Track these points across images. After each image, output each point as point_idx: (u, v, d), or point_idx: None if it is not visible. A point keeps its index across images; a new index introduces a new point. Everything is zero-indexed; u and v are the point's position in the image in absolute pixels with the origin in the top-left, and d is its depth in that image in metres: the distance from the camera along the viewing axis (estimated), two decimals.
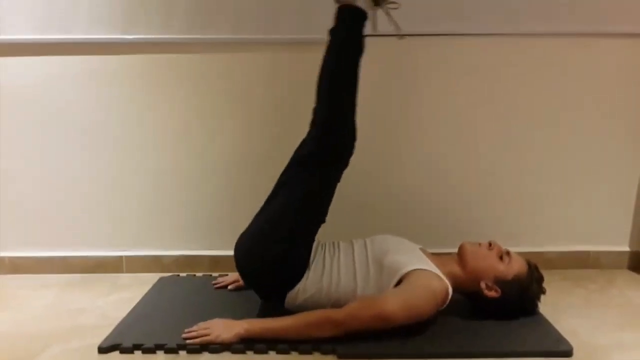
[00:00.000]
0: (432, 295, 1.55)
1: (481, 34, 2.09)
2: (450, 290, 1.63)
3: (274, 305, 1.71)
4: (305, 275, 1.67)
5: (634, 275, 2.18)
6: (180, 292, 1.96)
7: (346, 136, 1.68)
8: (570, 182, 2.20)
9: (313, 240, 1.75)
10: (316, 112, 1.71)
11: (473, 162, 2.19)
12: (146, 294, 1.94)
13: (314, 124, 1.71)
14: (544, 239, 2.24)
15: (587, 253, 2.23)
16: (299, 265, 1.67)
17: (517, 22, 2.07)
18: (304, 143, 1.74)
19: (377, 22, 2.00)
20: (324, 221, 1.75)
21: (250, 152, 2.18)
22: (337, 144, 1.68)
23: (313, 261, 1.70)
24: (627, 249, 2.24)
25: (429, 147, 2.19)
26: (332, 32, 1.72)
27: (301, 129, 2.06)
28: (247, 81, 2.13)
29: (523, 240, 2.22)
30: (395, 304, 1.51)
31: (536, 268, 1.72)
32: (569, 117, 2.16)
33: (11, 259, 2.22)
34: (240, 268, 1.73)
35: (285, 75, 2.13)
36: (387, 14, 1.84)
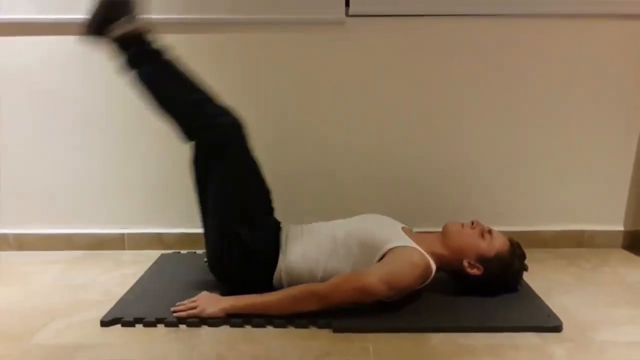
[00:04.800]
0: (414, 269, 1.59)
1: (479, 15, 2.09)
2: (434, 265, 1.66)
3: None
4: (281, 258, 1.69)
5: (627, 254, 2.21)
6: (181, 268, 2.01)
7: (218, 123, 1.67)
8: (565, 161, 2.22)
9: (270, 220, 1.78)
10: (178, 126, 1.69)
11: (468, 142, 2.21)
12: (147, 270, 1.98)
13: (187, 135, 1.70)
14: (539, 219, 2.26)
15: (582, 232, 2.26)
16: (267, 251, 1.70)
17: (517, 2, 2.08)
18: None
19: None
20: (268, 196, 1.77)
21: (257, 131, 2.19)
22: (216, 135, 1.67)
23: (287, 244, 1.72)
24: (621, 228, 2.27)
25: (421, 127, 2.20)
26: (128, 66, 1.67)
27: (317, 109, 2.06)
28: (262, 61, 2.15)
29: (518, 219, 2.24)
30: (376, 277, 1.54)
31: (518, 245, 1.74)
32: (565, 97, 2.17)
33: (16, 235, 2.26)
34: (215, 275, 1.77)
35: (302, 55, 2.14)
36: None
